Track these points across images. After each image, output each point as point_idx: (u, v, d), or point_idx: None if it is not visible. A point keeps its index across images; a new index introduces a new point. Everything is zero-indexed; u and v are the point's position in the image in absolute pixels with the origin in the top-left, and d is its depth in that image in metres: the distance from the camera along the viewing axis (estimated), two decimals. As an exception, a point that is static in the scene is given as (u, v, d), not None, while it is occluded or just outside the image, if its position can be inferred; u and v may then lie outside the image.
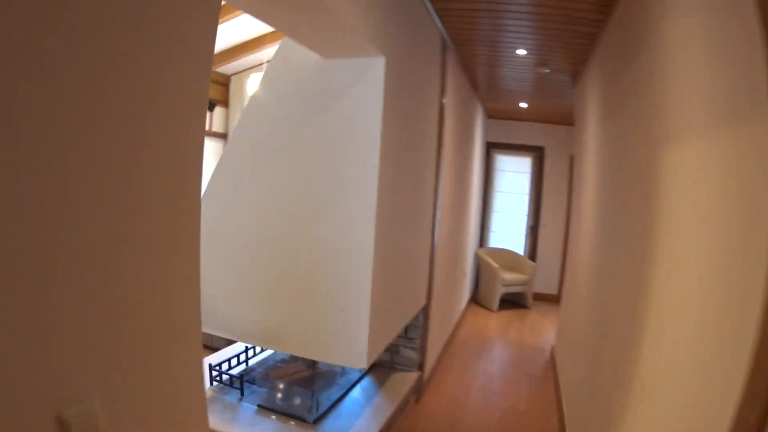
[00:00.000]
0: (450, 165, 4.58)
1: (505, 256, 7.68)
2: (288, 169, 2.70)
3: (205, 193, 2.93)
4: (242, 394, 3.23)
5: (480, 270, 7.43)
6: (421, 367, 3.99)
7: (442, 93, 4.02)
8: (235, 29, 5.83)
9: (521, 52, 4.39)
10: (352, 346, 2.53)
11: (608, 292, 2.53)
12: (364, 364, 2.50)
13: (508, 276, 7.09)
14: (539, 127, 8.04)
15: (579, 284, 3.74)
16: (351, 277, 2.55)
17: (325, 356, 2.57)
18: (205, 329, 2.81)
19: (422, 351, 3.99)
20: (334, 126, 2.60)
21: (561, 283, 7.61)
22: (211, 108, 7.31)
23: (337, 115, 2.58)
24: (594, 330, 2.85)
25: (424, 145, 3.57)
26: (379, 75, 2.47)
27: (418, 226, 3.56)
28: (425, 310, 3.97)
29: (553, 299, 7.78)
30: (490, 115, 7.98)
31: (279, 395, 3.28)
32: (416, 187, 3.40)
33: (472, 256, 7.20)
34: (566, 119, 7.17)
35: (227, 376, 3.31)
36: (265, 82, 2.82)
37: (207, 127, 7.22)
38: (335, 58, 2.57)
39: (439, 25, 3.68)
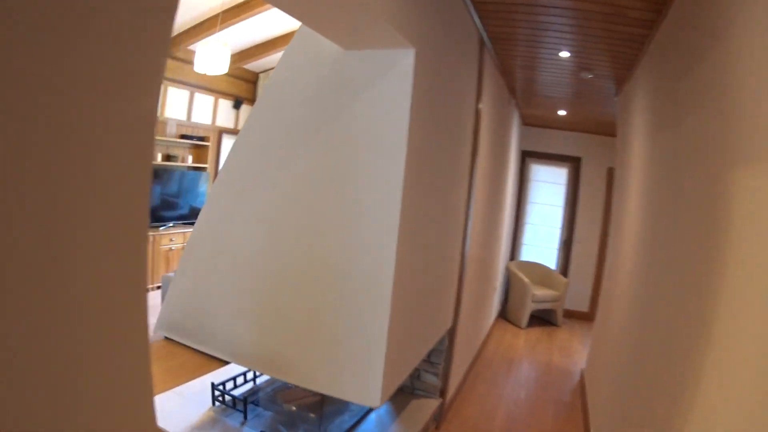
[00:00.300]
0: (484, 175, 4.20)
1: (537, 271, 7.27)
2: (299, 176, 2.38)
3: (207, 200, 2.63)
4: (245, 417, 2.92)
5: (510, 284, 7.02)
6: (442, 393, 3.63)
7: (479, 97, 3.66)
8: (262, 26, 5.58)
9: (564, 54, 4.01)
10: (364, 379, 2.19)
11: (655, 317, 2.21)
12: (377, 402, 2.15)
13: (539, 292, 6.68)
14: (576, 137, 7.63)
15: (616, 306, 3.42)
16: (367, 299, 2.21)
17: (331, 389, 2.23)
18: (203, 348, 2.53)
19: (445, 377, 3.62)
20: (352, 127, 2.27)
21: (592, 300, 7.37)
22: (238, 106, 7.08)
23: (356, 115, 2.25)
24: (633, 357, 2.54)
25: (457, 153, 3.21)
26: (408, 70, 2.13)
27: (447, 241, 3.20)
28: (451, 333, 3.60)
29: (584, 317, 7.40)
30: (526, 122, 7.57)
31: (285, 421, 2.96)
32: (446, 199, 3.05)
33: (502, 270, 6.80)
34: (605, 129, 6.77)
35: (230, 397, 3.01)
36: (276, 77, 2.51)
37: (232, 126, 7.03)
38: (357, 49, 2.24)
39: (477, 20, 3.33)
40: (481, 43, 3.62)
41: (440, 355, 3.57)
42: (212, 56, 4.21)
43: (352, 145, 2.27)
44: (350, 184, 2.26)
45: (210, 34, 4.86)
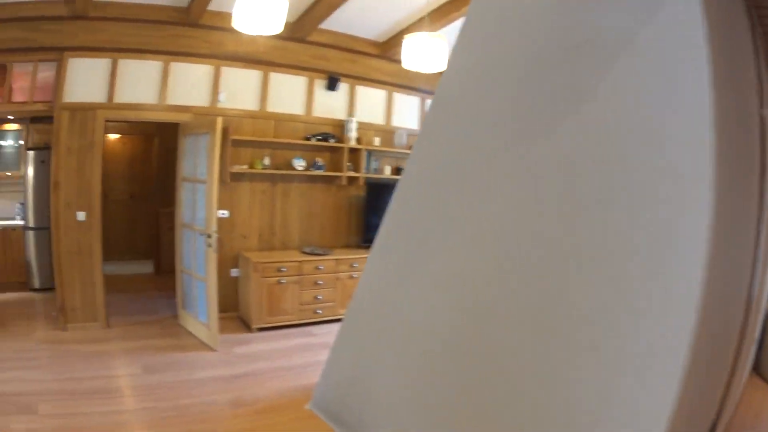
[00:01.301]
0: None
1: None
2: (503, 213, 1.50)
3: (374, 248, 1.83)
4: None
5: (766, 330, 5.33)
6: None
7: (763, 98, 2.36)
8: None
9: None
10: None
11: None
12: None
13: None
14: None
15: None
16: (632, 395, 1.25)
17: None
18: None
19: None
20: (600, 123, 1.32)
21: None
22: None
23: (604, 102, 1.30)
24: None
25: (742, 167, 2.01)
26: (693, 6, 1.13)
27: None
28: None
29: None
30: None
31: None
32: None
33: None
34: None
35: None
36: (458, 61, 1.67)
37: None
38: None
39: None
40: (750, 14, 2.35)
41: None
42: (423, 51, 3.55)
43: (602, 156, 1.32)
44: (598, 226, 1.31)
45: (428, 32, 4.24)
